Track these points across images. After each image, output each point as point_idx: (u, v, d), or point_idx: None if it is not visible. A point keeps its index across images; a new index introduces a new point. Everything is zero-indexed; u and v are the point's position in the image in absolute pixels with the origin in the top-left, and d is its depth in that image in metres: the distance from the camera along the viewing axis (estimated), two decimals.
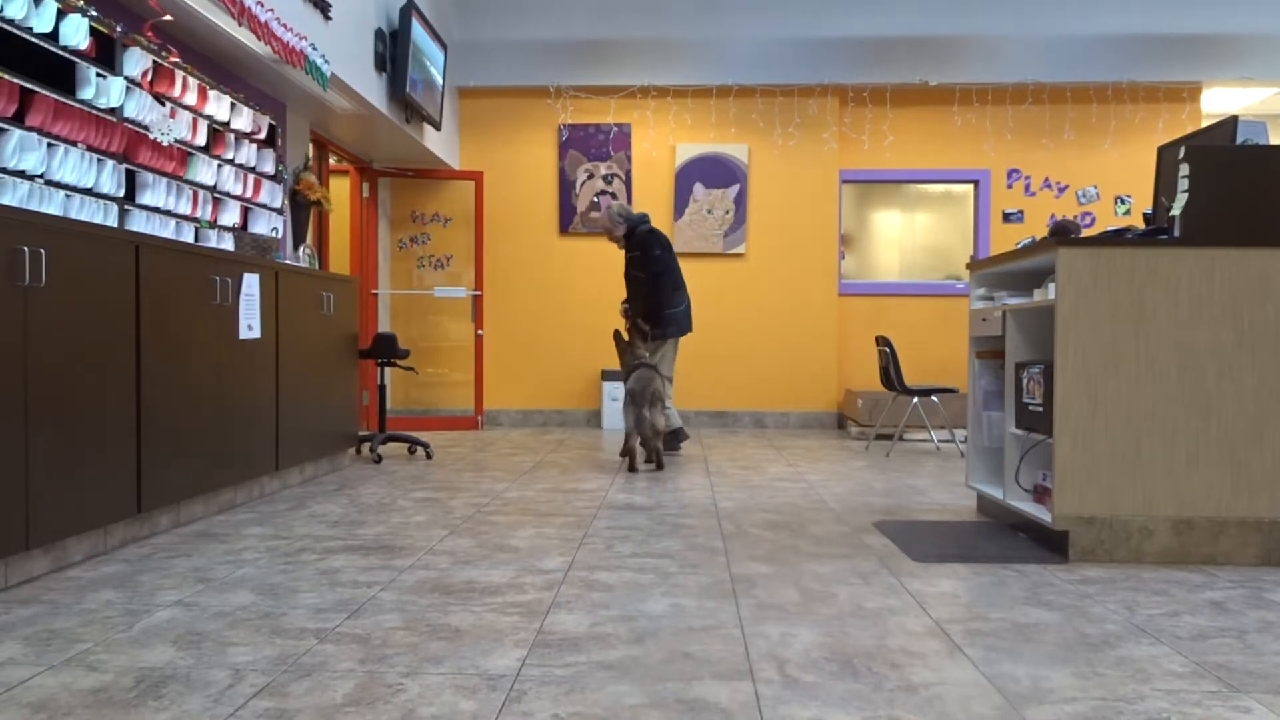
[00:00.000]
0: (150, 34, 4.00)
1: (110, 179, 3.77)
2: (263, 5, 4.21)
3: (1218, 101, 7.81)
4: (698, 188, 7.72)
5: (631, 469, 5.15)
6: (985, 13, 7.36)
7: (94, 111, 3.67)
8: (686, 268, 7.81)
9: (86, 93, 3.62)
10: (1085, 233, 7.56)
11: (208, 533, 3.45)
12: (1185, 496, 3.02)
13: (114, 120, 3.80)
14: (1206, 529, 3.02)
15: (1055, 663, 2.07)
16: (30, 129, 3.33)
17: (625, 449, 5.21)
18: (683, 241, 7.74)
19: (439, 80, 6.80)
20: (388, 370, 6.70)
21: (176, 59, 4.20)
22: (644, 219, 5.96)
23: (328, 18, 5.06)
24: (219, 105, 4.56)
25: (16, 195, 3.26)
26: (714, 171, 7.71)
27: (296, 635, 2.23)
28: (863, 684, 1.94)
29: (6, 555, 2.58)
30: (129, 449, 3.14)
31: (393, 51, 6.01)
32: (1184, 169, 3.06)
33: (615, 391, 7.57)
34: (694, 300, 7.83)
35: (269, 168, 5.15)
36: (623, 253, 6.21)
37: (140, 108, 3.94)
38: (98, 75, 3.67)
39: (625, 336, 5.65)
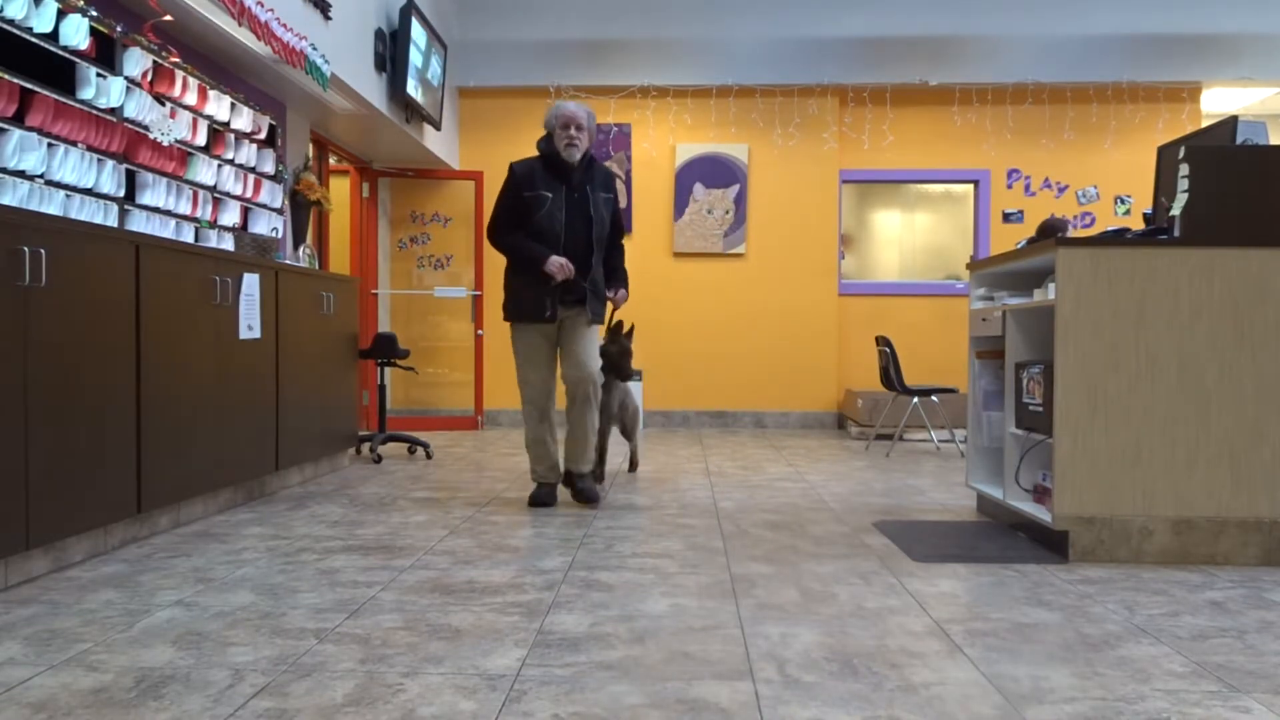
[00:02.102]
0: (150, 34, 4.00)
1: (110, 179, 3.77)
2: (263, 5, 4.21)
3: (1218, 101, 7.81)
4: (698, 188, 7.72)
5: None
6: (985, 13, 7.36)
7: (94, 111, 3.67)
8: (686, 267, 7.82)
9: (86, 93, 3.62)
10: (1085, 233, 7.56)
11: (208, 533, 3.44)
12: (1185, 496, 3.02)
13: (114, 120, 3.79)
14: (1206, 529, 3.02)
15: (1055, 663, 2.07)
16: (30, 129, 3.33)
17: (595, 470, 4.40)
18: (683, 241, 7.74)
19: (439, 80, 6.80)
20: (388, 370, 6.70)
21: (176, 59, 4.20)
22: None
23: (328, 18, 5.06)
24: (219, 105, 4.56)
25: (16, 195, 3.26)
26: (714, 171, 7.71)
27: (296, 635, 2.23)
28: (863, 684, 1.94)
29: (6, 555, 2.58)
30: (129, 449, 3.13)
31: (393, 51, 6.01)
32: (1184, 169, 3.06)
33: None
34: (692, 300, 7.83)
35: (269, 168, 5.15)
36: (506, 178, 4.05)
37: (140, 108, 3.94)
38: (98, 75, 3.67)
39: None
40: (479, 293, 7.64)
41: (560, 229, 3.93)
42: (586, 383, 4.00)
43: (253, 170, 4.97)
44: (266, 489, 4.31)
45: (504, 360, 7.74)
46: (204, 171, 4.48)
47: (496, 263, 7.72)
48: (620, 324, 4.36)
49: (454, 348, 7.91)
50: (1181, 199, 3.06)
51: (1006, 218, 7.78)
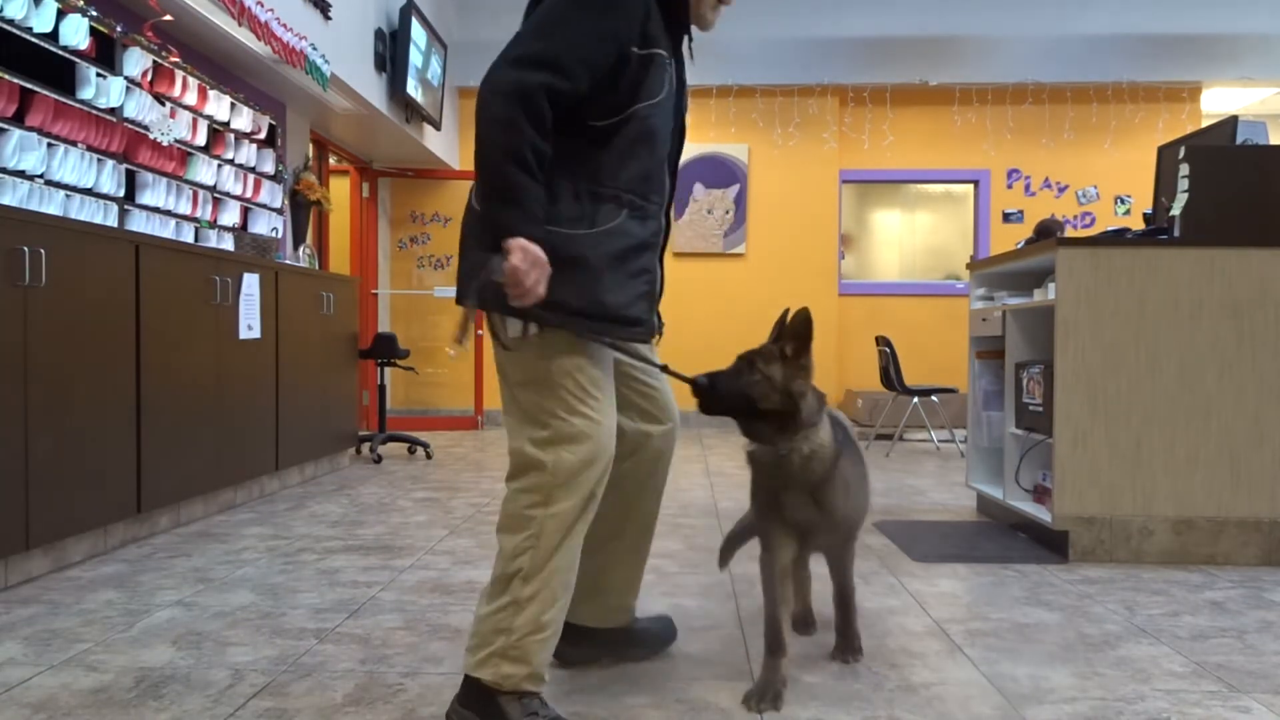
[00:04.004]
0: (150, 34, 4.00)
1: (110, 179, 3.76)
2: (263, 5, 4.20)
3: (1218, 101, 7.81)
4: (697, 187, 7.72)
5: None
6: (985, 13, 7.36)
7: (94, 111, 3.67)
8: (686, 267, 7.81)
9: (86, 93, 3.62)
10: (1085, 233, 7.56)
11: (208, 533, 3.44)
12: (1185, 496, 3.02)
13: (114, 120, 3.79)
14: (1206, 529, 3.02)
15: (1055, 663, 2.07)
16: (30, 129, 3.32)
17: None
18: (683, 241, 7.74)
19: (439, 80, 6.80)
20: (388, 370, 6.71)
21: (176, 59, 4.20)
22: None
23: (328, 18, 5.06)
24: (219, 105, 4.56)
25: (16, 195, 3.26)
26: (714, 171, 7.71)
27: (296, 635, 2.23)
28: (863, 684, 1.94)
29: (6, 555, 2.58)
30: (129, 449, 3.13)
31: (393, 51, 6.00)
32: (1184, 169, 3.06)
33: None
34: (692, 300, 7.81)
35: (269, 168, 5.15)
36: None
37: (140, 108, 3.94)
38: (98, 75, 3.67)
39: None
40: None
41: (666, 145, 1.87)
42: (671, 446, 2.07)
43: (253, 170, 4.97)
44: (266, 489, 4.31)
45: None
46: (204, 171, 4.48)
47: None
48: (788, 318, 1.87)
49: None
50: (1181, 199, 3.06)
51: (1006, 218, 7.78)
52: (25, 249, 2.62)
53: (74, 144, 3.55)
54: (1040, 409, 3.30)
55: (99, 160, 3.70)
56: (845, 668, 2.03)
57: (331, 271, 6.24)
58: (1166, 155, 3.41)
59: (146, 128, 4.00)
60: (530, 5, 1.75)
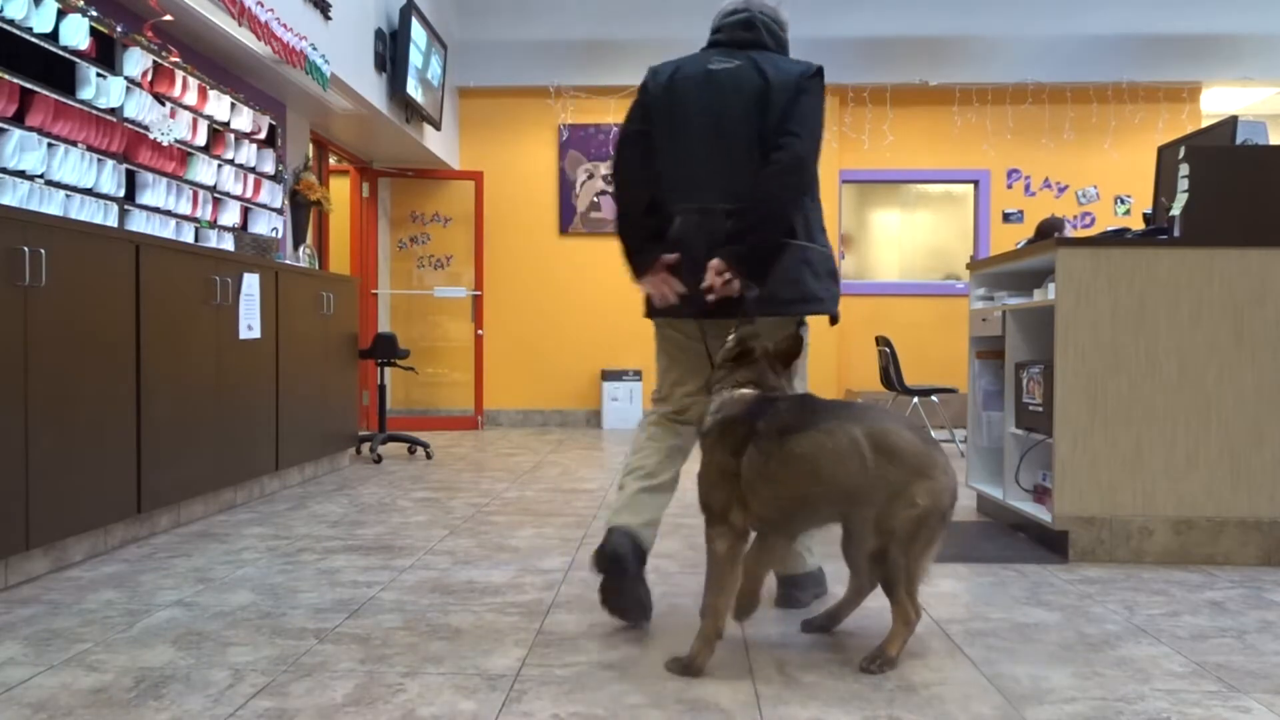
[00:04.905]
0: (150, 34, 4.00)
1: (110, 179, 3.77)
2: (263, 5, 4.21)
3: (1218, 101, 7.81)
4: None
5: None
6: (985, 13, 7.36)
7: (94, 111, 3.67)
8: None
9: (86, 93, 3.62)
10: (1085, 233, 7.56)
11: (208, 533, 3.44)
12: (1185, 496, 3.02)
13: (114, 120, 3.79)
14: (1206, 529, 3.02)
15: (1055, 663, 2.07)
16: (30, 129, 3.33)
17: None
18: None
19: (439, 80, 6.80)
20: (388, 370, 6.71)
21: (176, 59, 4.20)
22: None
23: (328, 18, 5.06)
24: (219, 105, 4.56)
25: (16, 195, 3.26)
26: None
27: (296, 635, 2.23)
28: (863, 684, 1.94)
29: (6, 555, 2.58)
30: (129, 449, 3.13)
31: (393, 51, 6.01)
32: (1184, 169, 3.06)
33: (615, 391, 7.55)
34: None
35: (269, 168, 5.15)
36: None
37: (140, 108, 3.94)
38: (98, 75, 3.67)
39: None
40: (479, 293, 7.64)
41: None
42: None
43: (253, 170, 4.97)
44: (266, 489, 4.31)
45: (504, 360, 7.73)
46: (204, 171, 4.48)
47: (496, 263, 7.73)
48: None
49: (454, 348, 7.90)
50: (1181, 199, 3.06)
51: (1006, 218, 7.78)
52: (25, 249, 2.62)
53: (74, 144, 3.55)
54: (1040, 409, 3.30)
55: (99, 160, 3.71)
56: (845, 668, 2.03)
57: (331, 271, 6.24)
58: (1166, 155, 3.41)
59: (146, 128, 4.01)
60: (794, 96, 2.34)
